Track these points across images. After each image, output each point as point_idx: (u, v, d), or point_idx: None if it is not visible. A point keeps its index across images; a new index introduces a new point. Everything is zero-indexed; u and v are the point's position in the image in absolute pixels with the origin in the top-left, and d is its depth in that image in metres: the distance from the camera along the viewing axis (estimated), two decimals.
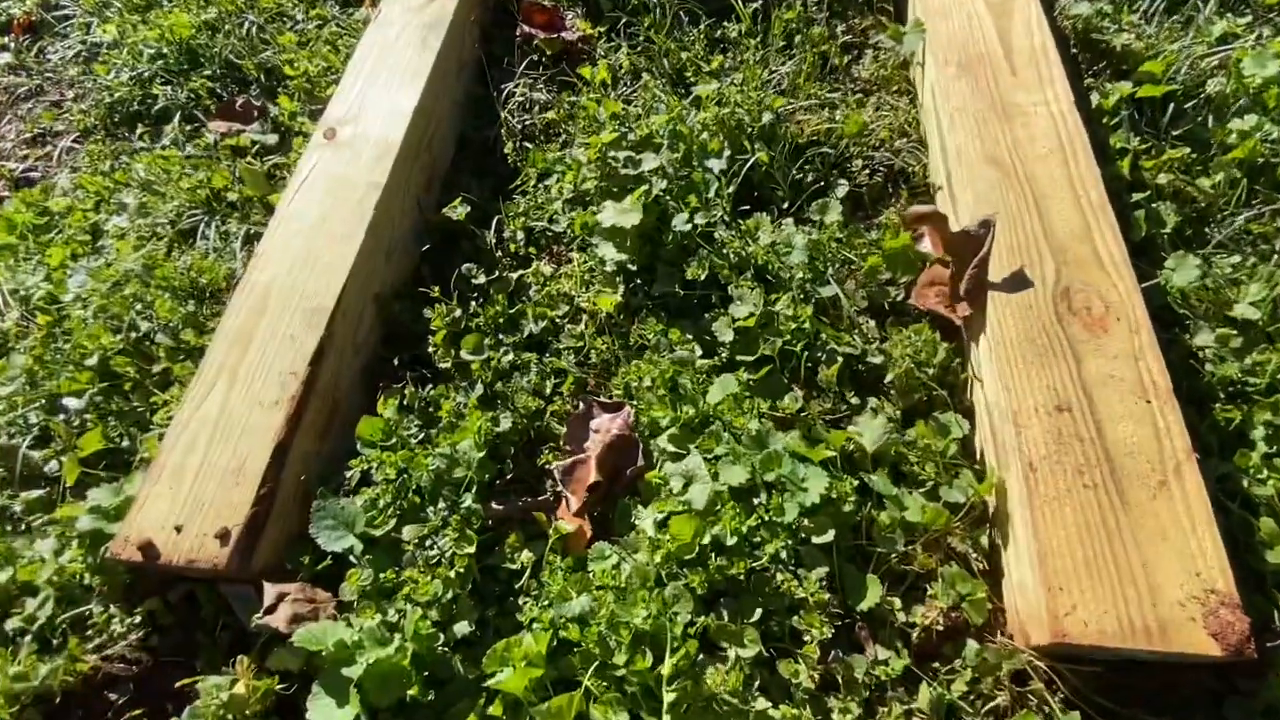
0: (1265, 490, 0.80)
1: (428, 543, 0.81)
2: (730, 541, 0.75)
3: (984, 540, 0.80)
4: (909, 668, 0.74)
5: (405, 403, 0.92)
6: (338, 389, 0.93)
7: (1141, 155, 1.04)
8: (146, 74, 1.48)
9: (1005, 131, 0.96)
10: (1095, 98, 1.11)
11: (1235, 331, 0.89)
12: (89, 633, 0.84)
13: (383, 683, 0.70)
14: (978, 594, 0.77)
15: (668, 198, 1.05)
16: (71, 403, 0.99)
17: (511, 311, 1.06)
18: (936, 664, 0.76)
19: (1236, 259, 0.96)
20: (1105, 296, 0.80)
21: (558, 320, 1.06)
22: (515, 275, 1.10)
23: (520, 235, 1.15)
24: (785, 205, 1.09)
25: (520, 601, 0.82)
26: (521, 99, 1.31)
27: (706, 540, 0.75)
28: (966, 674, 0.74)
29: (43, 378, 1.03)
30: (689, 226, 1.00)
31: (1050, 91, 0.99)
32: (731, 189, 1.07)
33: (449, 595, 0.77)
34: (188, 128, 1.42)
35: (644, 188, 1.01)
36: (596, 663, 0.74)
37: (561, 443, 0.92)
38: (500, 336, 1.03)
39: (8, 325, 1.13)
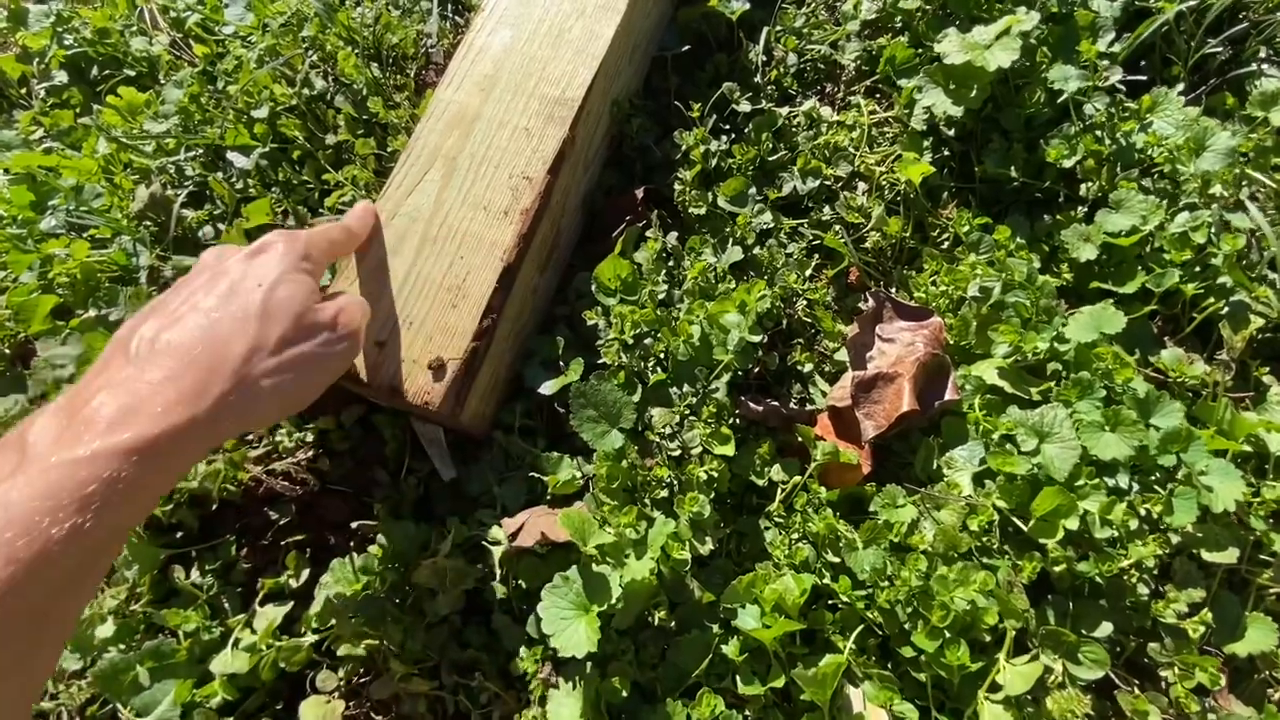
0: None
1: (668, 430, 0.64)
2: (1100, 532, 0.55)
3: None
4: None
5: (647, 251, 0.71)
6: (564, 213, 0.73)
7: None
8: None
9: None
10: None
11: None
12: (250, 439, 0.72)
13: (630, 601, 0.55)
14: None
15: (1034, 41, 0.75)
16: (237, 159, 0.81)
17: (773, 159, 0.81)
18: None
19: None
20: None
21: (831, 183, 0.81)
22: (783, 111, 0.84)
23: (791, 59, 0.87)
24: (1182, 88, 0.78)
25: (761, 525, 0.66)
26: None
27: (1074, 523, 0.55)
28: None
29: (200, 122, 0.85)
30: (1072, 86, 0.71)
31: None
32: (1119, 47, 0.76)
33: (700, 507, 0.61)
34: None
35: (1014, 18, 0.72)
36: (860, 628, 0.59)
37: (835, 346, 0.71)
38: (753, 189, 0.80)
39: (158, 51, 0.94)
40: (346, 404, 0.71)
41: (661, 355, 0.66)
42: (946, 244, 0.77)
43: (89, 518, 0.36)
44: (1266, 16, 0.80)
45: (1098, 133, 0.73)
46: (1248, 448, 0.60)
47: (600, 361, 0.66)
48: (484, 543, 0.61)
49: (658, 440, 0.63)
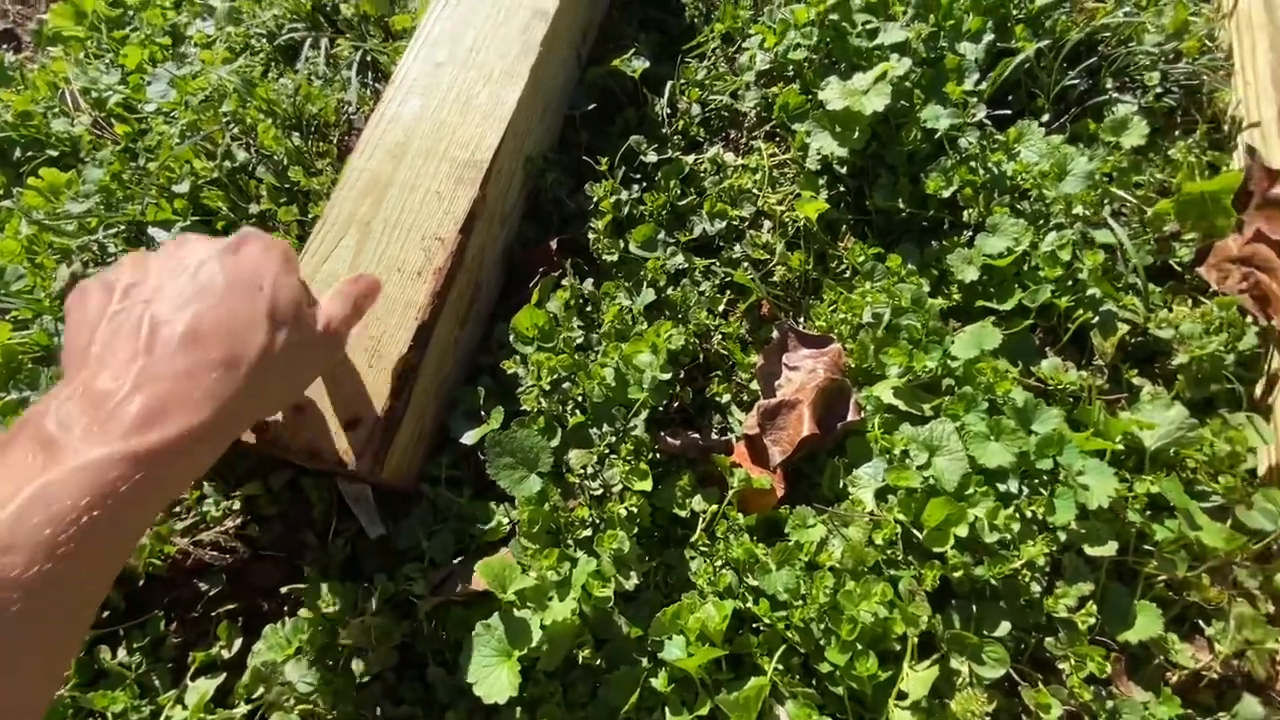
0: None
1: (588, 471, 0.66)
2: (990, 536, 0.59)
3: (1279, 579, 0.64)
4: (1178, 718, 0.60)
5: (567, 298, 0.75)
6: (482, 267, 0.76)
7: None
8: None
9: None
10: None
11: None
12: (176, 510, 0.72)
13: (553, 643, 0.56)
14: (1267, 643, 0.62)
15: (908, 84, 0.82)
16: (159, 234, 0.83)
17: (682, 204, 0.86)
18: (1192, 713, 0.62)
19: None
20: None
21: (737, 223, 0.86)
22: (690, 159, 0.89)
23: (696, 110, 0.93)
24: (1046, 117, 0.86)
25: (686, 555, 0.68)
26: None
27: (963, 531, 0.59)
28: None
29: (121, 199, 0.86)
30: (943, 124, 0.78)
31: None
32: (986, 84, 0.84)
33: (620, 543, 0.63)
34: None
35: (888, 64, 0.78)
36: (783, 648, 0.61)
37: (750, 377, 0.75)
38: (664, 233, 0.84)
39: (79, 131, 0.95)
40: (274, 469, 0.72)
41: (580, 398, 0.69)
42: (847, 274, 0.82)
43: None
44: (1116, 50, 0.89)
45: (972, 164, 0.79)
46: (1122, 446, 0.65)
47: (523, 408, 0.69)
48: (411, 597, 0.62)
49: (579, 481, 0.65)
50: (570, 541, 0.63)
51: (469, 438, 0.67)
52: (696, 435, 0.72)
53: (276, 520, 0.71)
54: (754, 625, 0.63)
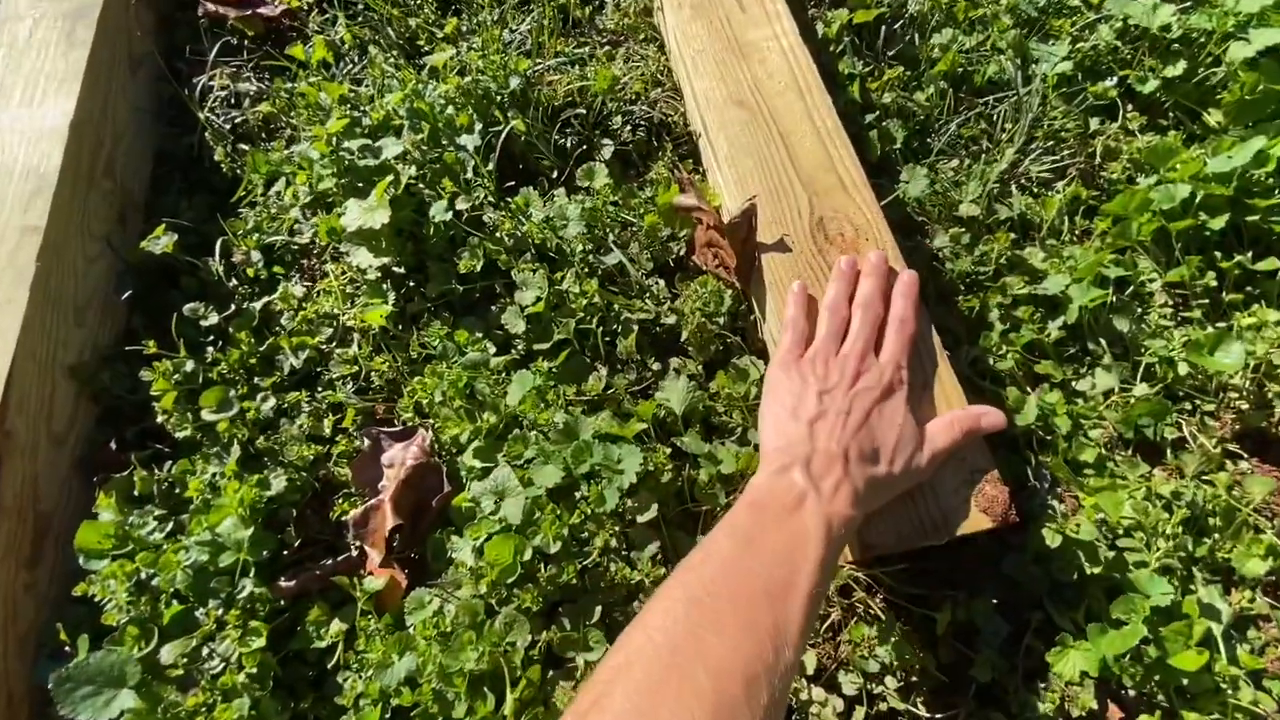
0: (1006, 364, 0.91)
1: (204, 652, 0.67)
2: (555, 548, 0.70)
3: None
4: None
5: (136, 492, 0.75)
6: (38, 499, 0.73)
7: (866, 78, 1.11)
8: None
9: (745, 71, 0.97)
10: (820, 27, 1.16)
11: (963, 229, 0.99)
12: None
13: None
14: None
15: (421, 185, 0.93)
16: None
17: (262, 349, 0.90)
18: None
19: (955, 162, 1.07)
20: (853, 220, 0.84)
21: (323, 347, 0.92)
22: (260, 305, 0.93)
23: (256, 256, 0.97)
24: (555, 174, 1.03)
25: (341, 679, 0.72)
26: (224, 93, 1.09)
27: (528, 555, 0.69)
28: None
29: None
30: (450, 215, 0.90)
31: (779, 26, 1.01)
32: (491, 165, 0.98)
33: (248, 707, 0.65)
34: None
35: (389, 178, 0.89)
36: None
37: (353, 489, 0.81)
38: (256, 381, 0.88)
39: None
40: None
41: (172, 589, 0.70)
42: (435, 358, 0.91)
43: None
44: (585, 107, 1.08)
45: (496, 234, 0.93)
46: (649, 424, 0.80)
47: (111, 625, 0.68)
48: None
49: (187, 671, 0.66)
50: None
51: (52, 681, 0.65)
52: (325, 564, 0.76)
53: None
54: (409, 714, 0.69)
